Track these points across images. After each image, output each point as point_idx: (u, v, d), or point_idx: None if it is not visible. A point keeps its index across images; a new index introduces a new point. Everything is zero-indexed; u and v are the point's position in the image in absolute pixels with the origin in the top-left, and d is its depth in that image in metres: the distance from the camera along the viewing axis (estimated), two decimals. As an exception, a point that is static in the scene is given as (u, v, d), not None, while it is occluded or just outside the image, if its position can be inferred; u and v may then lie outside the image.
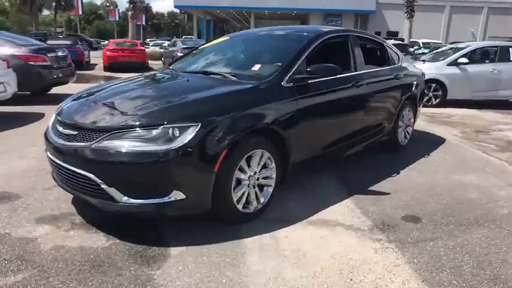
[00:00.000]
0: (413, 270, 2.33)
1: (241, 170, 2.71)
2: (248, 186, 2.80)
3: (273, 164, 2.95)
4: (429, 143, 5.39)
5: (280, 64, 3.18)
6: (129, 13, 23.13)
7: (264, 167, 2.92)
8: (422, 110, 7.92)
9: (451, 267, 2.38)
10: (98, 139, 2.44)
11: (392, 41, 16.64)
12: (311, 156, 3.38)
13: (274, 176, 2.98)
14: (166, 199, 2.44)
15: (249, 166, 2.78)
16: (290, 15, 41.63)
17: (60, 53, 8.20)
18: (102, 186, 2.43)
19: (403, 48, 14.01)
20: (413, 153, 4.80)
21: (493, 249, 2.60)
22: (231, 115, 2.62)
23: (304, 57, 3.26)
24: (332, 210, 3.12)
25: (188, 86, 3.10)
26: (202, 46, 4.30)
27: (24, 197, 3.19)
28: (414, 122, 5.19)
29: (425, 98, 8.49)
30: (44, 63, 7.49)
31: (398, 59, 4.77)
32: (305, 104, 3.15)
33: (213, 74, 3.30)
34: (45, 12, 51.13)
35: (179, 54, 12.91)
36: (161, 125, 2.41)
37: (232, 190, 2.66)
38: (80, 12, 47.24)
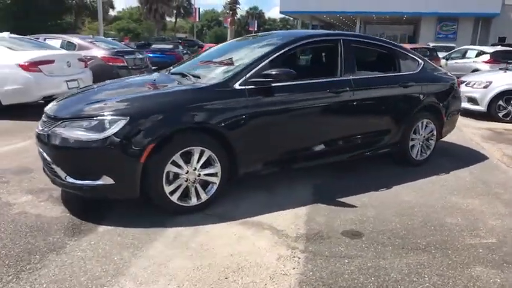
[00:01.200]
0: (297, 282, 2.23)
1: (176, 165, 2.90)
2: (187, 181, 2.98)
3: (218, 163, 3.06)
4: (462, 160, 4.74)
5: (238, 67, 3.27)
6: (228, 19, 24.72)
7: (209, 164, 3.06)
8: (495, 125, 7.00)
9: (341, 286, 2.21)
10: (52, 126, 2.90)
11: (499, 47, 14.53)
12: (271, 159, 3.39)
13: (219, 174, 3.10)
14: (97, 182, 2.78)
15: (188, 162, 2.96)
16: (400, 20, 39.17)
17: (138, 56, 9.35)
18: (52, 165, 2.89)
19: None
20: (429, 169, 4.32)
21: (412, 277, 2.31)
22: (164, 112, 2.84)
23: (265, 62, 3.28)
24: (278, 215, 3.09)
25: (143, 84, 3.39)
26: (204, 50, 4.57)
27: (34, 173, 3.87)
28: (441, 135, 4.63)
29: (504, 112, 7.37)
30: (122, 64, 8.67)
31: (418, 65, 4.34)
32: (260, 107, 3.19)
33: (185, 75, 3.53)
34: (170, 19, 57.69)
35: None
36: (96, 117, 2.76)
37: (164, 182, 2.87)
38: (197, 19, 51.75)
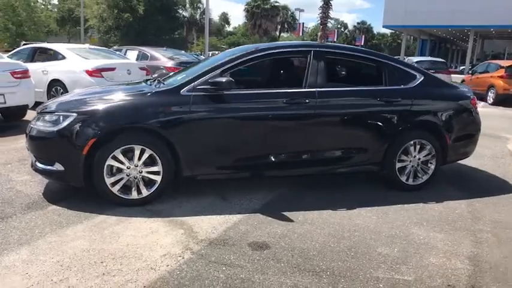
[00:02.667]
0: (157, 278, 2.33)
1: (117, 160, 3.23)
2: (128, 176, 3.28)
3: (160, 163, 3.30)
4: (475, 190, 4.11)
5: (192, 75, 3.46)
6: (319, 33, 24.71)
7: (153, 163, 3.31)
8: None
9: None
10: (34, 119, 3.49)
11: None
12: (219, 165, 3.49)
13: (161, 174, 3.33)
14: (53, 168, 3.26)
15: (130, 159, 3.26)
16: (528, 34, 34.29)
17: (201, 67, 10.12)
18: (28, 150, 3.47)
19: None
20: (421, 195, 3.87)
21: (271, 295, 2.21)
22: (108, 111, 3.20)
23: (216, 71, 3.41)
24: (208, 218, 3.18)
25: (113, 88, 3.78)
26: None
27: (48, 158, 4.60)
28: (445, 160, 4.10)
29: None
30: (182, 74, 9.49)
31: (414, 80, 3.93)
32: (205, 113, 3.34)
33: (160, 81, 3.84)
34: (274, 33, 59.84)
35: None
36: (55, 112, 3.26)
37: (105, 174, 3.21)
38: (301, 34, 52.86)
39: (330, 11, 23.88)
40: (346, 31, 78.30)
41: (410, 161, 3.96)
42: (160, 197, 3.44)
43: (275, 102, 3.51)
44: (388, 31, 68.76)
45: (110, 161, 3.21)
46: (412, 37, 47.85)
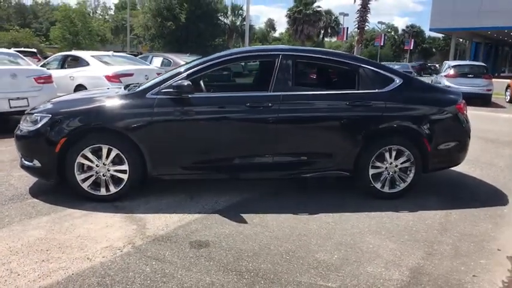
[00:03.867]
0: (82, 270, 2.49)
1: (86, 158, 3.47)
2: (97, 173, 3.52)
3: (126, 162, 3.50)
4: (459, 200, 3.89)
5: (158, 79, 3.64)
6: (356, 38, 24.18)
7: (120, 162, 3.52)
8: None
9: (113, 281, 2.37)
10: (21, 119, 3.84)
11: None
12: (185, 165, 3.63)
13: (128, 172, 3.53)
14: (32, 164, 3.57)
15: (99, 157, 3.49)
16: None
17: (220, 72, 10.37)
18: (16, 149, 3.82)
19: None
20: (395, 204, 3.74)
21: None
22: (77, 113, 3.46)
23: (181, 75, 3.57)
24: (166, 216, 3.32)
25: (91, 93, 4.04)
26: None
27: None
28: (427, 168, 3.92)
29: None
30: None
31: (391, 83, 3.81)
32: (168, 115, 3.51)
33: (135, 85, 4.06)
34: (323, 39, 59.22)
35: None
36: (36, 113, 3.57)
37: (76, 171, 3.47)
38: (345, 39, 52.02)
39: (368, 15, 23.34)
40: (395, 35, 75.71)
41: (386, 168, 3.85)
42: (131, 195, 3.64)
43: (238, 106, 3.59)
44: (440, 35, 65.85)
45: (80, 159, 3.46)
46: (467, 41, 45.25)
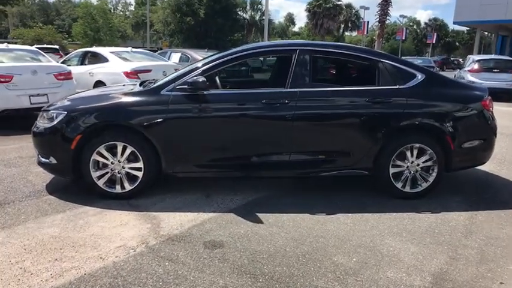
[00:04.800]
0: (98, 268, 2.47)
1: (101, 155, 3.46)
2: (112, 171, 3.50)
3: (141, 159, 3.47)
4: (485, 202, 3.70)
5: (174, 75, 3.58)
6: (377, 32, 23.67)
7: (135, 159, 3.50)
8: None
9: (125, 281, 2.34)
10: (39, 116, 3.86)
11: None
12: (200, 163, 3.58)
13: (142, 170, 3.50)
14: (48, 161, 3.58)
15: (114, 154, 3.48)
16: None
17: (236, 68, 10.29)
18: (33, 145, 3.85)
19: None
20: (417, 204, 3.60)
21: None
22: (92, 110, 3.45)
23: (196, 72, 3.50)
24: (180, 215, 3.28)
25: (106, 90, 4.01)
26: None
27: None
28: (450, 167, 3.75)
29: None
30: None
31: (412, 79, 3.64)
32: (182, 112, 3.46)
33: (151, 82, 4.03)
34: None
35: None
36: (52, 110, 3.58)
37: (91, 168, 3.46)
38: (365, 33, 51.00)
39: (390, 8, 22.75)
40: (417, 29, 73.90)
41: (407, 167, 3.70)
42: (146, 192, 3.62)
43: (254, 103, 3.50)
44: (464, 28, 63.85)
45: (95, 156, 3.45)
46: (493, 34, 43.69)
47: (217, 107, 3.51)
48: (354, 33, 61.96)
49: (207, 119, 3.50)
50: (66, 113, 3.47)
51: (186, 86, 3.43)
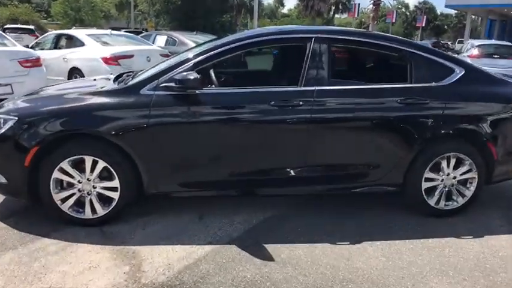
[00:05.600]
0: None
1: (64, 172, 2.70)
2: (80, 191, 2.76)
3: (116, 177, 2.74)
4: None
5: (156, 70, 2.83)
6: (371, 15, 22.91)
7: (110, 177, 2.76)
8: None
9: None
10: None
11: None
12: (191, 180, 2.86)
13: (119, 190, 2.76)
14: (-1, 180, 2.80)
15: (82, 171, 2.73)
16: None
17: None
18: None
19: None
20: (457, 224, 2.99)
21: None
22: (54, 114, 2.67)
23: (186, 65, 2.74)
24: (168, 250, 2.57)
25: (71, 85, 3.27)
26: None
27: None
28: (490, 179, 3.14)
29: None
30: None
31: (451, 74, 2.97)
32: (170, 117, 2.72)
33: (129, 75, 3.26)
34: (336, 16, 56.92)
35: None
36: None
37: (52, 189, 2.71)
38: (356, 15, 49.91)
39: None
40: (406, 12, 73.14)
41: (442, 180, 3.06)
42: (124, 214, 2.91)
43: (259, 105, 2.77)
44: (452, 11, 63.14)
45: (57, 174, 2.70)
46: (480, 18, 43.19)
47: (214, 111, 2.77)
48: (344, 16, 60.81)
49: (201, 126, 2.75)
50: (17, 118, 2.68)
51: (173, 84, 2.67)
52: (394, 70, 3.12)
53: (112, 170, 2.72)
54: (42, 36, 9.29)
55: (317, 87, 2.79)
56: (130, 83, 2.83)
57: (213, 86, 3.05)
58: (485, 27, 39.73)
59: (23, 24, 23.11)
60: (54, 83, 6.62)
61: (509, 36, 39.60)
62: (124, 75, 3.33)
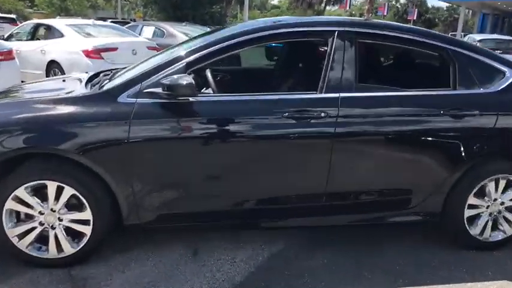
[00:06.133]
0: None
1: (21, 202, 2.11)
2: (42, 225, 2.17)
3: (88, 207, 2.15)
4: None
5: (138, 71, 2.23)
6: (367, 6, 22.38)
7: (79, 206, 2.17)
8: None
9: None
10: None
11: None
12: (180, 211, 2.29)
13: (91, 223, 2.18)
14: None
15: (44, 199, 2.14)
16: None
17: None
18: None
19: None
20: (499, 259, 2.49)
21: None
22: (5, 128, 2.06)
23: (176, 66, 2.15)
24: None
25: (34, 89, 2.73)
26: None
27: None
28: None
29: None
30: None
31: (501, 79, 2.44)
32: (155, 132, 2.12)
33: (107, 74, 2.67)
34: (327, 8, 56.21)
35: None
36: None
37: (5, 222, 2.12)
38: (348, 8, 49.36)
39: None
40: (397, 4, 72.93)
41: (487, 207, 2.54)
42: (98, 250, 2.33)
43: (270, 115, 2.19)
44: (444, 4, 62.98)
45: (11, 204, 2.10)
46: (470, 11, 42.96)
47: (211, 125, 2.18)
48: (334, 8, 60.16)
49: (194, 143, 2.16)
50: (-42, 133, 2.08)
51: (160, 90, 2.08)
52: (434, 73, 2.57)
53: (82, 198, 2.13)
54: (19, 25, 8.53)
55: (342, 94, 2.23)
56: (106, 87, 2.22)
57: (210, 89, 2.46)
58: (478, 21, 39.57)
59: (6, 14, 21.97)
60: (31, 78, 6.00)
61: (501, 31, 39.59)
62: (101, 75, 2.72)
